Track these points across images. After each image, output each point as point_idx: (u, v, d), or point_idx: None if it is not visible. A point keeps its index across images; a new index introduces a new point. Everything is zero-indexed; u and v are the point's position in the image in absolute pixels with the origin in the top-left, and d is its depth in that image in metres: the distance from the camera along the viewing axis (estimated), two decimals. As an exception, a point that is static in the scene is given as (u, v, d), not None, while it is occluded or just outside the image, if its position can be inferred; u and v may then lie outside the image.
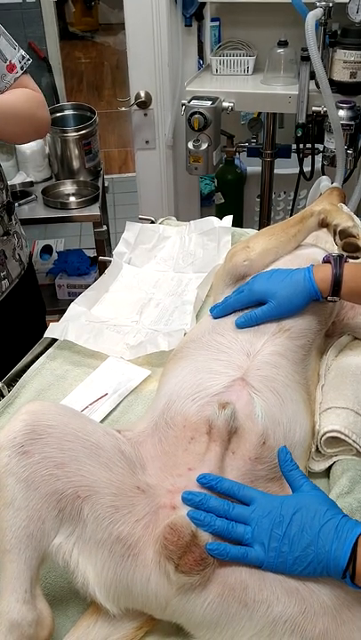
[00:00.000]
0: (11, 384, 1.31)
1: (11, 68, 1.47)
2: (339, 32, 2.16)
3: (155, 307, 1.53)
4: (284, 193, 2.94)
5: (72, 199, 2.68)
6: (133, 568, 0.84)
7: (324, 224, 1.26)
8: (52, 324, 1.42)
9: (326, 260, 1.12)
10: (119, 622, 0.86)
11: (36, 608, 0.81)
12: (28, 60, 1.52)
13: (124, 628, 0.86)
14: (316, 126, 2.34)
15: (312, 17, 2.00)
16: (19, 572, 0.81)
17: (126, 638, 0.86)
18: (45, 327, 1.42)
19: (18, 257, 1.68)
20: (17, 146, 2.74)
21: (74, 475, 0.85)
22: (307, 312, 1.12)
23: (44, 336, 1.41)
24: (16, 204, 1.71)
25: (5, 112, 1.41)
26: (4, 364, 1.38)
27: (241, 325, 1.12)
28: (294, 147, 2.50)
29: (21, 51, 1.51)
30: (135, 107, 2.64)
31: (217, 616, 0.83)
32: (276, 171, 2.68)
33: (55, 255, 3.19)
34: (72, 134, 2.70)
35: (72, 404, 1.22)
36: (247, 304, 1.14)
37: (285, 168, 2.75)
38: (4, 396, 1.27)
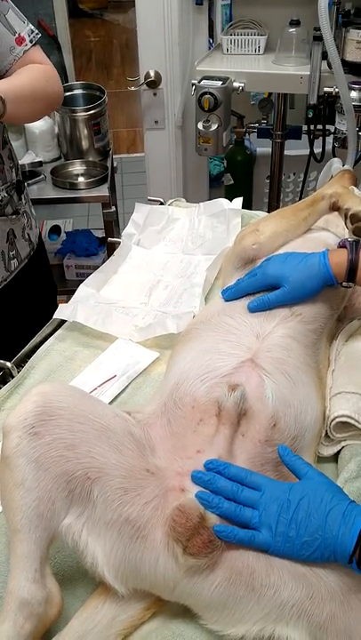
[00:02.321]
0: (20, 365, 1.32)
1: (20, 40, 1.46)
2: (352, 12, 2.12)
3: (163, 289, 1.52)
4: (294, 174, 2.92)
5: (81, 179, 2.67)
6: (142, 549, 0.84)
7: (335, 207, 1.25)
8: (61, 306, 1.42)
9: (342, 245, 1.11)
10: (127, 603, 0.87)
11: (45, 587, 0.82)
12: (37, 34, 1.50)
13: (133, 609, 0.87)
14: (327, 107, 2.31)
15: (325, -4, 1.96)
16: (29, 551, 0.82)
17: (134, 618, 0.87)
18: (56, 308, 1.42)
19: (27, 237, 1.68)
20: (26, 125, 2.72)
21: (84, 456, 0.85)
22: (320, 297, 1.11)
23: (53, 317, 1.41)
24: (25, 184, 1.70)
25: (17, 97, 1.39)
26: (15, 345, 1.38)
27: (253, 309, 1.11)
28: (305, 128, 2.47)
29: (30, 25, 1.50)
30: (145, 86, 2.61)
31: (224, 599, 0.83)
32: (286, 152, 2.65)
33: (63, 235, 3.18)
34: (81, 114, 2.68)
35: (81, 386, 1.22)
36: (260, 288, 1.13)
37: (296, 149, 2.72)
38: (13, 377, 1.28)
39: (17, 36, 1.45)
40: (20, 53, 1.47)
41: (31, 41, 1.48)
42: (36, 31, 1.50)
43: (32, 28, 1.50)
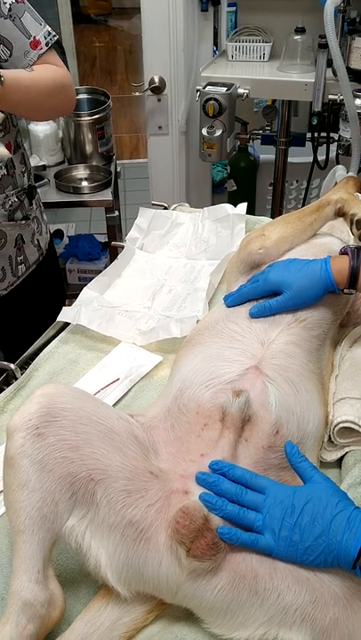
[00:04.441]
0: (24, 367, 1.32)
1: (35, 44, 1.41)
2: (358, 19, 2.14)
3: (167, 293, 1.52)
4: (297, 182, 2.93)
5: (85, 184, 2.68)
6: (145, 552, 0.84)
7: (340, 213, 1.25)
8: (64, 308, 1.42)
9: (344, 252, 1.11)
10: (130, 605, 0.87)
11: (48, 588, 0.82)
12: (55, 35, 1.45)
13: (135, 612, 0.87)
14: (331, 115, 2.32)
15: (331, 3, 1.97)
16: (32, 552, 0.81)
17: (137, 621, 0.87)
18: None
19: (37, 242, 1.66)
20: (30, 129, 2.73)
21: (88, 458, 0.85)
22: (322, 303, 1.11)
23: (57, 320, 1.41)
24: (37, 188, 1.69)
25: (35, 87, 1.37)
26: (21, 348, 1.38)
27: (254, 315, 1.11)
28: (309, 135, 2.48)
29: (47, 27, 1.45)
30: (149, 92, 2.63)
31: (227, 602, 0.83)
32: (289, 159, 2.66)
33: (66, 240, 3.18)
34: (86, 118, 2.69)
35: (84, 389, 1.21)
36: (262, 294, 1.13)
37: (299, 156, 2.73)
38: (16, 379, 1.28)
39: (32, 39, 1.41)
40: (35, 57, 1.42)
41: (47, 44, 1.43)
42: (53, 33, 1.45)
43: (49, 29, 1.44)
